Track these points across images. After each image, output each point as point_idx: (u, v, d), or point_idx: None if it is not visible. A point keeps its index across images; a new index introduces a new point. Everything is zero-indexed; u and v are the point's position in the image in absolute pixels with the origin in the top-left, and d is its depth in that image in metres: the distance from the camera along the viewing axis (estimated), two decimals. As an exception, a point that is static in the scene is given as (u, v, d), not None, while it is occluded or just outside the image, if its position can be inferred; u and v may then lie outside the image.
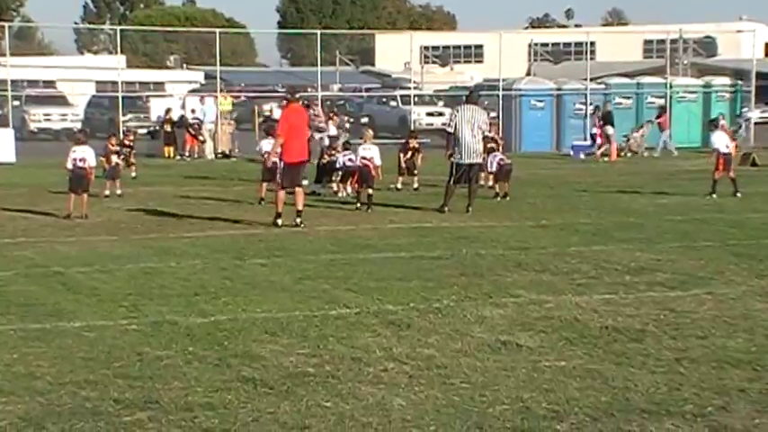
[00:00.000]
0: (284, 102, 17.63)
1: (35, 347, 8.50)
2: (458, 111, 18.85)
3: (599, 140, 34.99)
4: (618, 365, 7.96)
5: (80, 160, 17.58)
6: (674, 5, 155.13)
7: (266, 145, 20.46)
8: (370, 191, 18.95)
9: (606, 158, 33.72)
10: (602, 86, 41.12)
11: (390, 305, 10.22)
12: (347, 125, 44.23)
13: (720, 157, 21.09)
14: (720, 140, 21.51)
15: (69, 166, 17.73)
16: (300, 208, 16.45)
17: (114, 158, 21.12)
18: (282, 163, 16.65)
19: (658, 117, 37.19)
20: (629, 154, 35.45)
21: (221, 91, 39.21)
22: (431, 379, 7.60)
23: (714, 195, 20.53)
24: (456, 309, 10.05)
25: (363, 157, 19.57)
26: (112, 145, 21.40)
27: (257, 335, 8.95)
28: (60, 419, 6.68)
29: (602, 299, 10.55)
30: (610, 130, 34.55)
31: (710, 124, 24.06)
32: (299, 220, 16.28)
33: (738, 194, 20.62)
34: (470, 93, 20.36)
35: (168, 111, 36.49)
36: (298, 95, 18.00)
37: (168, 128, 35.58)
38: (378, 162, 19.76)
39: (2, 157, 31.94)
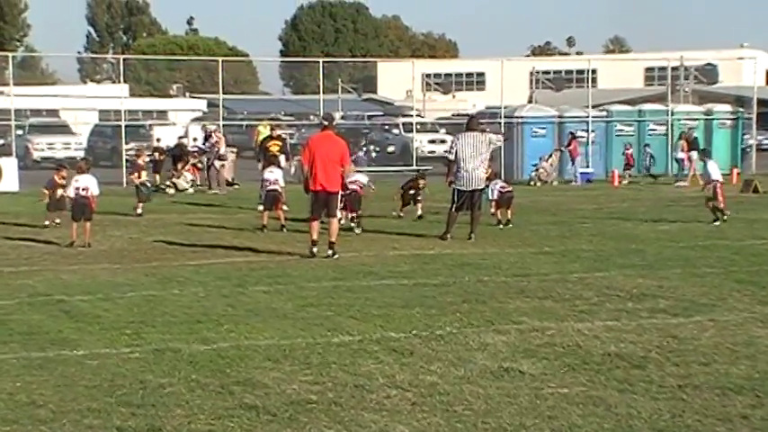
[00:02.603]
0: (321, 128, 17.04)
1: (38, 376, 8.51)
2: (459, 138, 18.89)
3: (687, 164, 35.07)
4: (620, 392, 7.95)
5: (83, 189, 17.62)
6: (676, 33, 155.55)
7: (268, 174, 20.57)
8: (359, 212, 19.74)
9: (683, 184, 33.71)
10: (604, 114, 41.17)
11: (393, 332, 10.22)
12: (372, 154, 44.39)
13: (719, 185, 21.13)
14: (716, 169, 21.57)
15: (72, 194, 17.78)
16: (333, 239, 16.13)
17: (60, 191, 20.84)
18: (310, 192, 16.38)
19: (568, 145, 36.64)
20: (538, 183, 35.15)
21: (224, 118, 39.32)
22: (433, 406, 7.60)
23: (717, 222, 20.61)
24: (458, 336, 10.05)
25: (351, 182, 19.70)
26: (60, 178, 21.12)
27: (260, 362, 8.95)
28: (63, 447, 6.68)
29: (604, 325, 10.54)
30: (695, 155, 34.70)
31: (703, 154, 23.98)
32: (330, 251, 15.94)
33: (717, 222, 20.60)
34: (470, 119, 20.39)
35: (158, 140, 36.80)
36: (335, 122, 17.61)
37: (157, 156, 35.73)
38: (364, 180, 20.43)
39: (5, 186, 31.99)
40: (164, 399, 7.79)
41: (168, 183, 32.46)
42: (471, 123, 19.47)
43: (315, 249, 15.97)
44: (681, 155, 36.22)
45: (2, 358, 9.12)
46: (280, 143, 27.06)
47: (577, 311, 11.36)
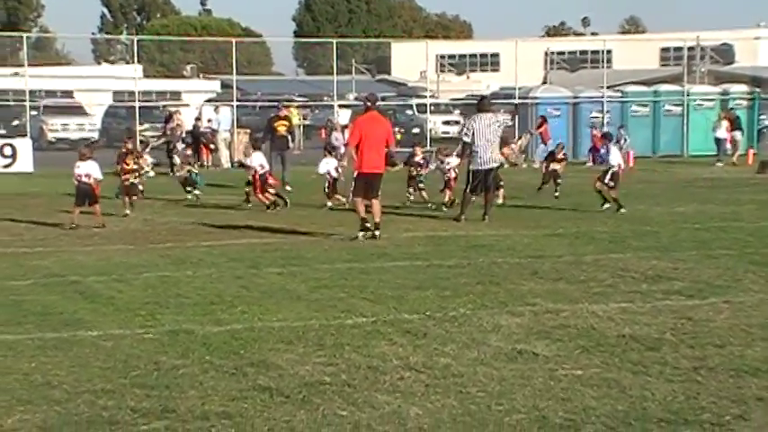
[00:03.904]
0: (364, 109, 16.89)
1: (52, 356, 8.53)
2: (473, 119, 18.86)
3: (728, 146, 34.92)
4: (635, 374, 7.93)
5: (85, 175, 17.56)
6: (692, 13, 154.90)
7: (257, 158, 20.61)
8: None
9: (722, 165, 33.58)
10: (619, 94, 41.05)
11: (406, 314, 10.21)
12: (398, 136, 44.29)
13: (620, 171, 20.31)
14: (617, 155, 20.80)
15: (74, 180, 17.85)
16: (378, 219, 16.02)
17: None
18: (355, 173, 16.28)
19: (539, 127, 36.24)
20: (506, 165, 34.78)
21: (238, 100, 39.33)
22: (447, 388, 7.59)
23: (606, 206, 19.81)
24: (472, 317, 10.04)
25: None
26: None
27: (273, 344, 8.95)
28: (78, 428, 6.70)
29: (618, 307, 10.52)
30: (738, 135, 34.55)
31: (606, 138, 22.24)
32: (378, 232, 15.85)
33: (607, 206, 19.80)
34: (481, 100, 20.35)
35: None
36: (377, 103, 17.40)
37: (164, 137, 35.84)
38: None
39: (20, 167, 32.13)
40: (178, 380, 7.80)
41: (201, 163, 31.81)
42: (483, 104, 19.46)
43: (369, 224, 15.88)
44: (722, 134, 35.94)
45: (17, 339, 9.15)
46: (287, 123, 27.11)
47: (592, 293, 11.34)
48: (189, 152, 24.54)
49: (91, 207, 17.56)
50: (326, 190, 21.20)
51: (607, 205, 19.82)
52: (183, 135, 32.88)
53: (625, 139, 37.04)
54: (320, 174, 21.52)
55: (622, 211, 19.49)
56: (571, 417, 6.90)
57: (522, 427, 6.70)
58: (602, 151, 21.03)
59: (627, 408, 7.09)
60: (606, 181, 19.85)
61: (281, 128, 26.63)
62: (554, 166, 23.27)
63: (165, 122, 33.67)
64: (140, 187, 21.14)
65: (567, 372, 8.01)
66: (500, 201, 20.67)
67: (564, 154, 24.38)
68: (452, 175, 20.96)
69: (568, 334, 9.30)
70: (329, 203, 20.85)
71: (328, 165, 21.44)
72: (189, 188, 22.59)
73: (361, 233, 15.84)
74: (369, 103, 16.73)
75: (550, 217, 19.01)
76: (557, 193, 22.69)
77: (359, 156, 16.12)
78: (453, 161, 20.94)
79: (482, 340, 9.07)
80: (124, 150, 21.31)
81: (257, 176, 20.30)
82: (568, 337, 9.16)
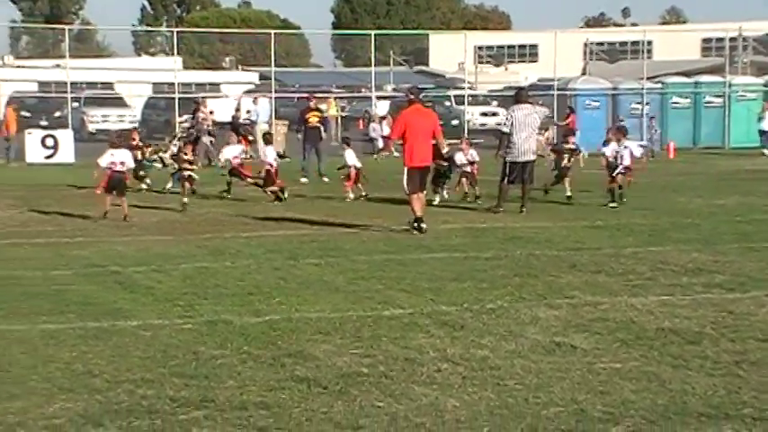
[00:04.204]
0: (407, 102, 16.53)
1: (93, 346, 8.61)
2: (513, 110, 18.80)
3: None
4: (674, 368, 7.88)
5: (120, 163, 17.56)
6: (734, 3, 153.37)
7: (270, 153, 20.62)
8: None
9: None
10: (659, 86, 40.73)
11: (444, 306, 10.20)
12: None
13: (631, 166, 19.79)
14: (634, 151, 20.13)
15: (103, 164, 17.64)
16: (420, 214, 15.78)
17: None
18: (405, 168, 15.94)
19: (566, 118, 35.27)
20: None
21: (276, 91, 39.40)
22: (484, 380, 7.58)
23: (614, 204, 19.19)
24: (510, 310, 10.01)
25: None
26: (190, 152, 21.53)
27: (311, 334, 8.98)
28: (118, 417, 6.75)
29: (658, 300, 10.45)
30: None
31: (620, 132, 20.88)
32: (424, 225, 15.60)
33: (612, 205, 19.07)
34: (520, 92, 20.15)
35: (211, 112, 36.92)
36: (421, 95, 17.23)
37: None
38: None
39: (61, 158, 32.41)
40: (216, 370, 7.85)
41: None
42: (521, 95, 19.39)
43: (424, 225, 15.54)
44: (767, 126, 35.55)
45: (59, 328, 9.23)
46: (319, 114, 27.17)
47: (631, 286, 11.27)
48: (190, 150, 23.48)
49: (119, 198, 17.45)
50: (348, 180, 21.15)
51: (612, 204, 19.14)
52: (209, 127, 32.91)
53: (656, 130, 36.80)
54: (348, 165, 21.25)
55: (612, 205, 18.98)
56: (610, 410, 6.87)
57: (559, 420, 6.68)
58: (610, 146, 20.07)
59: (666, 402, 7.05)
60: (614, 174, 19.46)
61: (313, 119, 26.71)
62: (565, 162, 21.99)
63: (192, 114, 33.78)
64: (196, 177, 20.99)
65: (605, 365, 7.97)
66: (568, 193, 20.36)
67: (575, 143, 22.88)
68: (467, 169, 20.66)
69: (607, 327, 9.25)
70: (351, 194, 20.77)
71: (352, 156, 21.37)
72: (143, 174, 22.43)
73: (422, 226, 15.53)
74: (412, 96, 16.49)
75: (589, 209, 18.90)
76: (569, 193, 20.79)
77: (407, 150, 15.87)
78: (459, 157, 20.62)
79: (520, 333, 9.05)
80: (134, 143, 21.55)
81: (269, 171, 20.28)
82: (607, 330, 9.11)
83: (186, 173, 19.98)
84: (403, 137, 15.95)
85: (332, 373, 7.77)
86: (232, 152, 21.40)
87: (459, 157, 20.68)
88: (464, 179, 20.65)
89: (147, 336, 8.95)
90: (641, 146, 23.23)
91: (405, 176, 15.94)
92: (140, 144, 22.63)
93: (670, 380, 7.55)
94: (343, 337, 8.92)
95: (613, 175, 19.49)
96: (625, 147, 19.95)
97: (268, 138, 22.56)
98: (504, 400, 7.12)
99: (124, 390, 7.35)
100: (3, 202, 20.07)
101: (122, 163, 17.62)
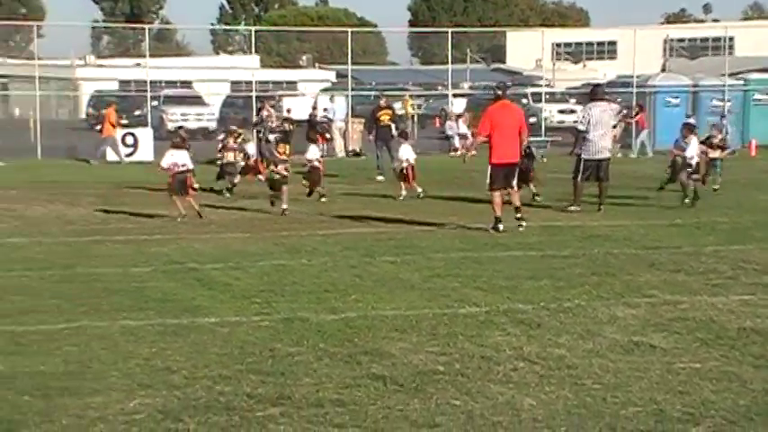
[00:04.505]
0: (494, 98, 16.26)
1: (172, 342, 8.71)
2: (589, 108, 18.65)
3: None
4: (756, 368, 7.75)
5: (181, 165, 17.60)
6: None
7: (313, 152, 20.48)
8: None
9: None
10: (741, 82, 40.05)
11: (520, 304, 10.15)
12: None
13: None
14: (694, 147, 19.25)
15: (164, 164, 17.64)
16: (519, 204, 15.71)
17: (231, 155, 21.81)
18: (489, 165, 15.73)
19: (636, 115, 34.68)
20: None
21: (353, 89, 39.53)
22: (561, 379, 7.52)
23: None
24: (587, 308, 9.93)
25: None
26: (234, 141, 22.09)
27: (387, 332, 8.99)
28: (196, 413, 6.82)
29: (739, 300, 10.28)
30: None
31: (688, 129, 19.80)
32: (523, 223, 15.51)
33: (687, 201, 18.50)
34: (596, 88, 19.90)
35: (288, 111, 37.31)
36: (508, 92, 16.75)
37: (287, 127, 36.20)
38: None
39: (141, 156, 32.88)
40: (292, 367, 7.89)
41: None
42: (597, 93, 19.19)
43: (501, 226, 15.33)
44: None
45: (139, 324, 9.36)
46: (390, 113, 27.17)
47: (711, 285, 11.11)
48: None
49: (184, 198, 17.36)
50: (402, 177, 20.77)
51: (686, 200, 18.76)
52: (274, 125, 33.12)
53: (727, 131, 36.08)
54: (403, 161, 20.81)
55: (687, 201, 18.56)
56: (689, 410, 6.77)
57: (638, 420, 6.60)
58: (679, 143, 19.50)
59: (748, 402, 6.93)
60: (690, 174, 18.87)
61: (385, 117, 26.74)
62: (712, 154, 21.39)
63: (257, 113, 34.07)
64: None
65: (684, 365, 7.87)
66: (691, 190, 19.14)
67: (722, 140, 22.19)
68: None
69: (687, 326, 9.13)
70: (404, 191, 20.50)
71: (408, 150, 21.03)
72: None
73: (499, 226, 15.32)
74: (499, 92, 16.16)
75: (668, 207, 18.65)
76: (716, 186, 20.86)
77: (492, 146, 15.61)
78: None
79: (597, 332, 8.96)
80: (229, 145, 21.76)
81: (313, 168, 20.10)
82: (687, 330, 8.99)
83: (278, 175, 18.62)
84: (489, 133, 15.68)
85: (408, 370, 7.77)
86: (315, 153, 20.98)
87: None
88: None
89: (225, 332, 9.04)
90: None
91: (488, 173, 15.76)
92: (235, 147, 22.75)
93: (751, 380, 7.42)
94: (420, 334, 8.91)
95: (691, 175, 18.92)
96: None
97: (311, 137, 22.43)
98: (581, 399, 7.06)
99: (202, 386, 7.43)
100: (84, 200, 20.41)
101: (183, 164, 17.56)
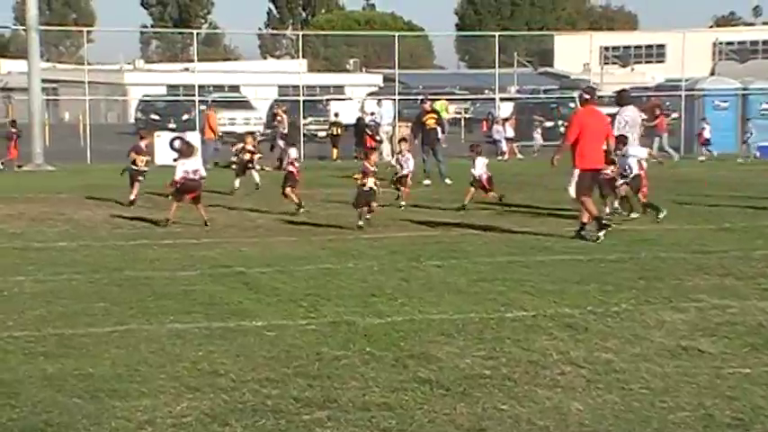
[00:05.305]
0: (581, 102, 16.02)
1: (219, 345, 8.76)
2: (620, 113, 18.24)
3: None
4: (807, 374, 7.65)
5: (193, 172, 17.40)
6: None
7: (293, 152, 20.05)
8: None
9: None
10: (791, 85, 39.61)
11: (567, 308, 10.10)
12: (561, 129, 43.91)
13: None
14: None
15: (178, 178, 17.24)
16: (597, 213, 15.33)
17: (248, 156, 22.65)
18: (576, 170, 15.45)
19: (655, 118, 33.41)
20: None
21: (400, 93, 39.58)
22: (609, 383, 7.48)
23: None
24: (635, 313, 9.86)
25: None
26: (251, 143, 22.94)
27: (433, 336, 8.98)
28: (243, 416, 6.86)
29: (789, 305, 10.16)
30: None
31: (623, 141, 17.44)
32: (610, 228, 15.14)
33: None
34: (622, 93, 19.26)
35: (336, 115, 37.76)
36: (596, 96, 16.30)
37: (335, 131, 36.68)
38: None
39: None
40: (339, 371, 7.91)
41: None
42: (623, 97, 18.76)
43: (610, 228, 15.01)
44: None
45: (186, 327, 9.42)
46: (435, 116, 27.16)
47: (761, 289, 10.99)
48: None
49: (195, 205, 17.23)
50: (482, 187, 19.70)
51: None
52: (285, 131, 33.26)
53: (750, 134, 35.58)
54: (476, 175, 19.78)
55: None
56: (739, 416, 6.71)
57: (687, 425, 6.55)
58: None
59: (798, 409, 6.85)
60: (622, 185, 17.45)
61: (431, 121, 26.72)
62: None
63: (273, 118, 34.30)
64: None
65: (734, 370, 7.80)
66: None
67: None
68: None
69: (735, 331, 9.04)
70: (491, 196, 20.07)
71: (482, 164, 19.96)
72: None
73: (601, 232, 14.94)
74: (587, 96, 15.84)
75: (716, 211, 18.49)
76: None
77: (579, 152, 15.25)
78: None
79: (645, 336, 8.90)
80: (248, 147, 22.38)
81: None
82: (735, 335, 8.91)
83: (366, 187, 17.07)
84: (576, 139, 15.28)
85: (454, 374, 7.76)
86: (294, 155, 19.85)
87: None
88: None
89: (272, 336, 9.08)
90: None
91: (575, 179, 15.50)
92: (253, 149, 22.94)
93: (802, 387, 7.33)
94: (466, 338, 8.90)
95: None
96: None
97: (371, 147, 22.42)
98: (629, 404, 7.01)
99: (249, 389, 7.46)
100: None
101: (195, 171, 17.45)
